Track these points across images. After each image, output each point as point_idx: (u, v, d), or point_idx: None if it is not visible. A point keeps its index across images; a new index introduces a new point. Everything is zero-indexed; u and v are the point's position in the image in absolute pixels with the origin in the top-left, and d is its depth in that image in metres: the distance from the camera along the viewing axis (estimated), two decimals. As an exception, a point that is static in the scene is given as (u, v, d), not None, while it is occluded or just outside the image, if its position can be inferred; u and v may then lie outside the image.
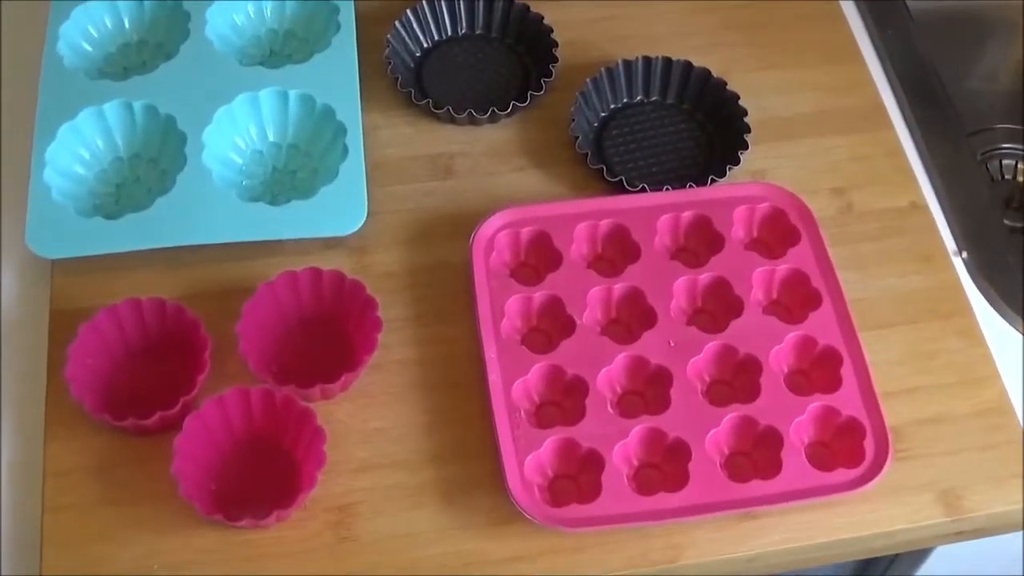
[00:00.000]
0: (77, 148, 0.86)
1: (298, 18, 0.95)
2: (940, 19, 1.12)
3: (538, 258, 0.84)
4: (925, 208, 0.89)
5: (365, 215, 0.82)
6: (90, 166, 0.87)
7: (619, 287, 0.81)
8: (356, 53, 0.89)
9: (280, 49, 0.95)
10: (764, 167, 0.90)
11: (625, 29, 0.98)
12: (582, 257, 0.84)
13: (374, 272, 0.84)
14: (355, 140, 0.85)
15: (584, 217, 0.84)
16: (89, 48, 0.93)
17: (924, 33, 1.01)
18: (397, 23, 0.93)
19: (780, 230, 0.85)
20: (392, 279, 0.84)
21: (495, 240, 0.83)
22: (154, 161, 0.87)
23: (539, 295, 0.81)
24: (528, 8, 0.94)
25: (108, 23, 0.94)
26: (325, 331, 0.80)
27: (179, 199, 0.82)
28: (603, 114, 0.92)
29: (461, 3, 0.95)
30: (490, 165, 0.90)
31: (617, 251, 0.84)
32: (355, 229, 0.82)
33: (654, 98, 0.93)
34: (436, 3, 0.95)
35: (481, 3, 0.95)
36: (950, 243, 0.88)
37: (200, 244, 0.81)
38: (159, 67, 0.89)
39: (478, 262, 0.82)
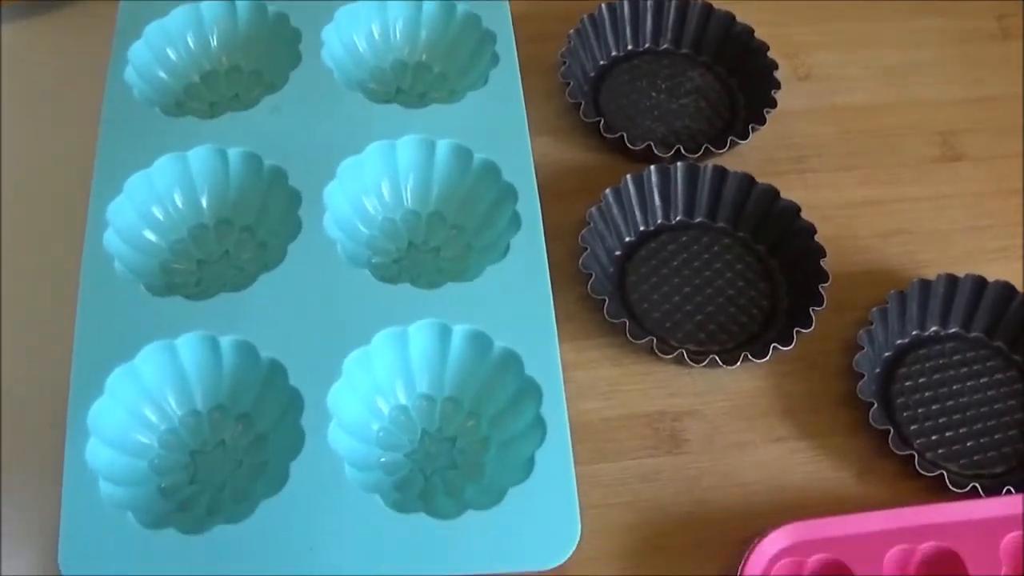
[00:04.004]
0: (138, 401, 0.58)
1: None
2: None
3: (829, 599, 0.56)
4: None
5: (577, 540, 0.54)
6: (156, 403, 0.58)
7: (961, 659, 0.54)
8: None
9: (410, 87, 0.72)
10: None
11: (898, 219, 0.70)
12: (893, 597, 0.57)
13: (581, 611, 0.56)
14: (558, 407, 0.57)
15: (895, 538, 0.56)
16: (165, 76, 0.70)
17: None
18: (595, 210, 0.65)
19: None
20: (609, 623, 0.56)
21: (772, 574, 0.55)
22: (248, 417, 0.59)
23: (847, 676, 0.53)
24: (778, 194, 0.66)
25: (191, 43, 0.71)
26: None
27: (301, 496, 0.54)
28: (887, 354, 0.65)
29: (679, 183, 0.67)
30: (735, 432, 0.62)
31: (947, 590, 0.57)
32: (561, 562, 0.54)
33: (953, 330, 0.66)
34: (646, 179, 0.67)
35: (707, 186, 0.67)
36: None
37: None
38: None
39: (751, 616, 0.54)
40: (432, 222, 0.66)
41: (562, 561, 0.53)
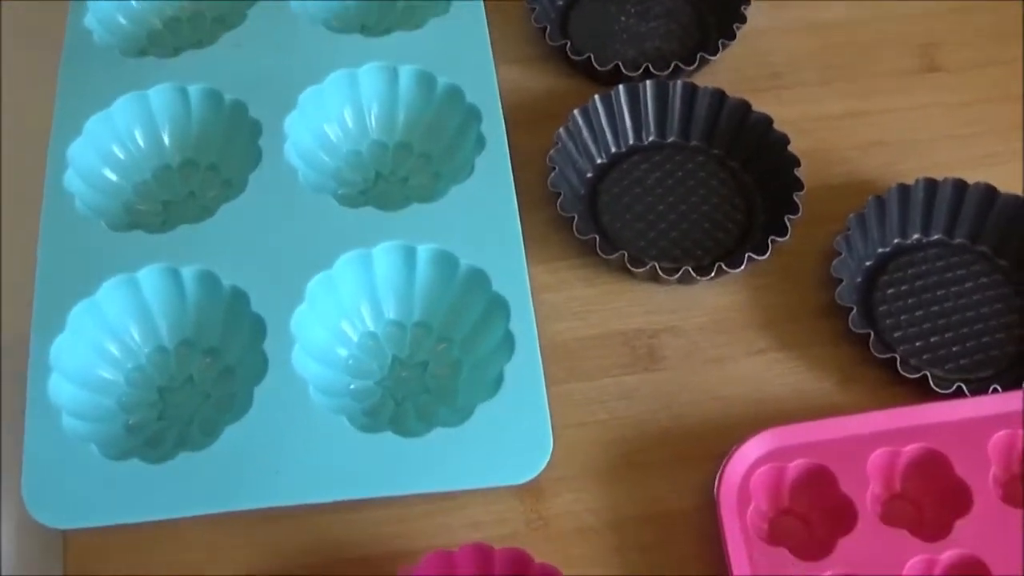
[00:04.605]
0: (100, 327, 0.57)
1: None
2: None
3: (809, 505, 0.55)
4: None
5: (550, 452, 0.53)
6: (117, 336, 0.58)
7: (948, 556, 0.52)
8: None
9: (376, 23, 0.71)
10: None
11: (877, 131, 0.69)
12: (878, 501, 0.55)
13: (558, 528, 0.55)
14: (526, 321, 0.56)
15: (878, 440, 0.55)
16: (125, 23, 0.70)
17: None
18: (562, 131, 0.64)
19: None
20: (586, 539, 0.54)
21: (751, 482, 0.54)
22: (215, 351, 0.58)
23: (832, 580, 0.52)
24: (750, 108, 0.65)
25: None
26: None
27: (265, 420, 0.53)
28: (868, 263, 0.63)
29: (649, 102, 0.66)
30: (713, 347, 0.60)
31: (930, 492, 0.55)
32: (534, 475, 0.53)
33: (935, 237, 0.64)
34: (614, 99, 0.66)
35: (677, 103, 0.66)
36: None
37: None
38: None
39: (730, 524, 0.52)
40: (399, 152, 0.65)
41: (535, 474, 0.52)
